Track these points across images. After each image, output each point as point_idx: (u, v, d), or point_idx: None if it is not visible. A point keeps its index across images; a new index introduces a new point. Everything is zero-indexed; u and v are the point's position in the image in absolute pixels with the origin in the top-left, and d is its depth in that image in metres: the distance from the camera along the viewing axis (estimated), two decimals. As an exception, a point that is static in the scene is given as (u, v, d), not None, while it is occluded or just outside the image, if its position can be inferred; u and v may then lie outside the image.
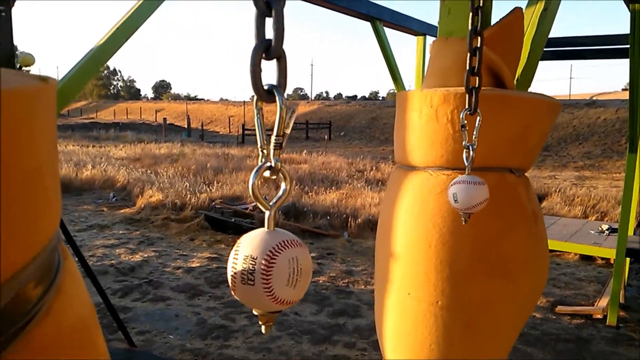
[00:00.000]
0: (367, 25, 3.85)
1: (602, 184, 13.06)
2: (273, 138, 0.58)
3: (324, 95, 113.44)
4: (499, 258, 1.34)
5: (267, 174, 0.59)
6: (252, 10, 0.55)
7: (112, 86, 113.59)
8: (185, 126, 34.29)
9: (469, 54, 1.15)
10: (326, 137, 27.98)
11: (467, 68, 1.14)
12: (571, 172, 16.79)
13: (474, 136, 1.17)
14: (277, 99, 0.56)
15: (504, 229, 1.35)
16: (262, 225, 0.59)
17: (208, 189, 8.51)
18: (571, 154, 20.86)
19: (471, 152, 1.18)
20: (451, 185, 1.17)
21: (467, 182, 1.15)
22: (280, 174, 0.59)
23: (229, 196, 8.24)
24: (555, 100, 1.42)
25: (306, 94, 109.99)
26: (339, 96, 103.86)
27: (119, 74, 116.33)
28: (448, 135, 1.30)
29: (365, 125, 32.63)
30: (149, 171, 11.01)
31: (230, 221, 6.78)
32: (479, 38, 1.15)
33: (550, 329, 4.08)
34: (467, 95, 1.16)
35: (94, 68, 2.10)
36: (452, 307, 1.33)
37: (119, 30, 2.14)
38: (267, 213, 0.59)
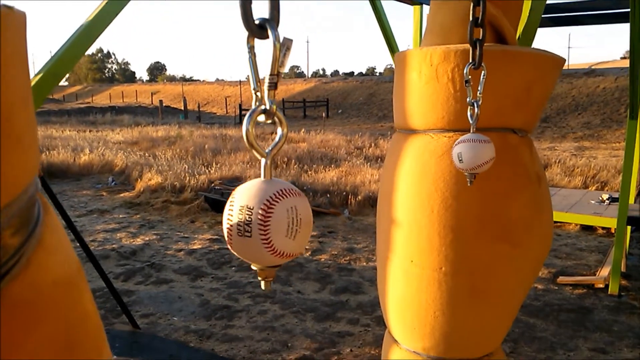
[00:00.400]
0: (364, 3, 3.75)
1: (601, 154, 13.03)
2: (267, 77, 0.54)
3: (321, 72, 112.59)
4: (504, 221, 1.31)
5: (261, 118, 0.55)
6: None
7: (107, 69, 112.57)
8: (182, 108, 34.07)
9: (472, 4, 1.09)
10: (324, 114, 27.84)
11: (471, 19, 1.09)
12: (570, 142, 16.74)
13: (478, 92, 1.12)
14: (270, 34, 0.52)
15: (508, 191, 1.31)
16: None
17: (207, 171, 8.48)
18: (570, 124, 20.77)
19: (476, 109, 1.13)
20: (455, 144, 1.12)
21: (473, 141, 1.10)
22: (275, 118, 0.55)
23: (228, 177, 8.21)
24: (558, 55, 1.37)
25: (302, 72, 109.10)
26: (335, 73, 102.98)
27: (113, 56, 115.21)
28: (449, 95, 1.25)
29: (362, 101, 32.43)
30: (147, 154, 10.97)
31: (230, 202, 6.76)
32: None
33: (552, 299, 4.10)
34: (470, 48, 1.11)
35: (84, 45, 2.05)
36: (456, 273, 1.30)
37: (109, 4, 2.09)
38: (262, 161, 0.56)
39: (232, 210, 0.54)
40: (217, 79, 68.53)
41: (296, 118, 29.52)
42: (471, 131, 1.13)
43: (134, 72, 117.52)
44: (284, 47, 0.54)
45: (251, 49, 0.54)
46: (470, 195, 1.29)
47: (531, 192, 1.34)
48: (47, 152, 10.16)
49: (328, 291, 4.26)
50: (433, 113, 1.31)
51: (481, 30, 1.09)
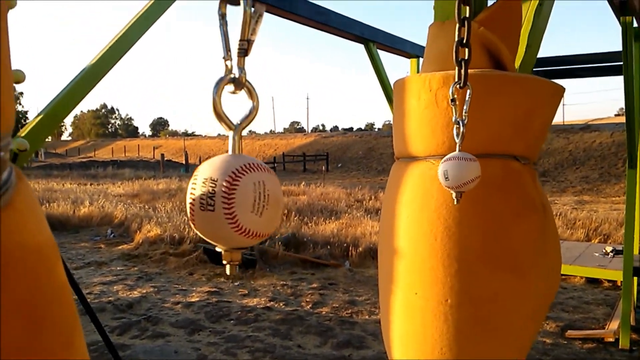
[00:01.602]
0: (361, 57, 3.85)
1: (602, 208, 13.02)
2: (237, 43, 0.51)
3: (320, 128, 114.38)
4: (508, 250, 1.27)
5: (230, 88, 0.52)
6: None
7: (110, 125, 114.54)
8: (184, 162, 34.34)
9: (457, 25, 1.11)
10: (324, 168, 28.02)
11: (456, 39, 1.11)
12: (570, 196, 16.76)
13: (464, 111, 1.13)
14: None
15: (512, 218, 1.28)
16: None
17: (207, 223, 8.42)
18: (569, 178, 20.87)
19: (461, 128, 1.13)
20: (441, 163, 1.13)
21: (459, 159, 1.10)
22: (246, 88, 0.52)
23: (228, 229, 8.16)
24: (558, 84, 1.38)
25: (302, 127, 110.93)
26: (335, 128, 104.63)
27: (116, 112, 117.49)
28: (449, 120, 1.24)
29: (362, 155, 32.75)
30: (147, 206, 10.94)
31: (229, 254, 6.67)
32: (467, 8, 1.12)
33: (561, 354, 3.97)
34: (456, 67, 1.12)
35: (86, 87, 2.08)
36: (462, 304, 1.25)
37: (112, 48, 2.13)
38: (230, 135, 0.52)
39: (195, 183, 0.50)
40: (219, 134, 69.39)
41: (296, 172, 29.70)
42: (457, 150, 1.13)
43: (136, 128, 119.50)
44: (256, 14, 0.52)
45: (222, 16, 0.52)
46: (474, 223, 1.26)
47: (536, 221, 1.31)
48: (47, 205, 10.14)
49: (330, 345, 4.13)
50: (433, 139, 1.30)
51: (466, 50, 1.10)
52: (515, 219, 1.30)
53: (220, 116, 0.51)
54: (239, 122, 0.53)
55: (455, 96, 1.13)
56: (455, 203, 1.14)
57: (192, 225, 0.51)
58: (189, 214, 0.51)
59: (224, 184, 0.48)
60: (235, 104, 0.54)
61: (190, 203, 0.50)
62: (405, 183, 1.39)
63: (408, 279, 1.34)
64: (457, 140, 1.14)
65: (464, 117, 1.13)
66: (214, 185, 0.49)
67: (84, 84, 2.06)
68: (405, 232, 1.35)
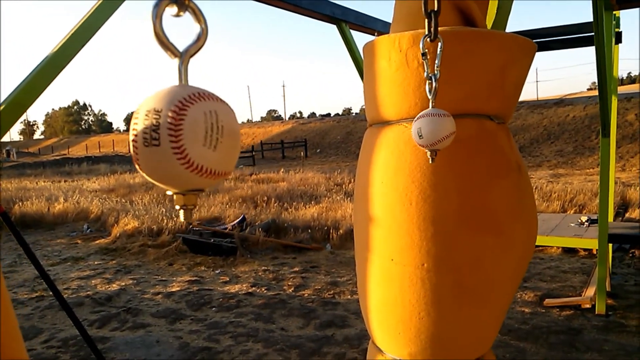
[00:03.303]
0: (336, 45, 3.81)
1: (577, 180, 13.24)
2: None
3: (298, 115, 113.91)
4: (486, 211, 1.24)
5: (173, 11, 0.46)
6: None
7: (83, 121, 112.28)
8: (160, 155, 33.82)
9: None
10: (302, 154, 27.94)
11: None
12: (546, 170, 17.02)
13: (435, 65, 1.08)
14: None
15: (488, 178, 1.26)
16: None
17: (185, 213, 8.33)
18: (544, 153, 21.18)
19: (434, 83, 1.09)
20: (414, 120, 1.08)
21: (432, 115, 1.06)
22: (190, 10, 0.46)
23: (207, 218, 8.08)
24: (530, 40, 1.35)
25: (280, 115, 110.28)
26: (312, 115, 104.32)
27: (89, 108, 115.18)
28: (421, 80, 1.21)
29: (340, 140, 32.72)
30: (123, 200, 10.78)
31: (209, 242, 6.61)
32: None
33: (540, 322, 4.03)
34: (425, 19, 1.08)
35: (50, 75, 2.00)
36: (440, 269, 1.22)
37: (76, 33, 2.05)
38: (177, 62, 0.47)
39: (137, 118, 0.44)
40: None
41: (275, 159, 29.56)
42: (430, 106, 1.09)
43: (110, 123, 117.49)
44: None
45: None
46: (449, 185, 1.23)
47: (512, 180, 1.29)
48: (21, 203, 9.90)
49: (313, 326, 4.12)
50: (405, 101, 1.27)
51: (435, 1, 1.06)
52: (492, 179, 1.28)
53: (163, 42, 0.45)
54: (185, 49, 0.47)
55: (427, 50, 1.09)
56: (430, 162, 1.10)
57: (137, 167, 0.45)
58: (132, 153, 0.45)
59: (170, 114, 0.43)
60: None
61: (133, 140, 0.44)
62: (378, 148, 1.36)
63: (384, 245, 1.31)
64: (429, 97, 1.10)
65: (436, 72, 1.09)
66: (157, 116, 0.43)
67: (47, 72, 1.98)
68: (380, 198, 1.32)
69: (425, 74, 1.09)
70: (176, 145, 0.43)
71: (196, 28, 0.47)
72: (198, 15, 0.47)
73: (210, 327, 4.15)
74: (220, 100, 0.46)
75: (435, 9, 1.06)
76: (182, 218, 0.47)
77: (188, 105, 0.43)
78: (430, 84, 1.09)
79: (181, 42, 0.48)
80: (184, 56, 0.47)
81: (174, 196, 0.46)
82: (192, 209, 0.47)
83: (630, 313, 4.14)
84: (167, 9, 0.46)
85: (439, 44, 1.07)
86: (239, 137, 0.47)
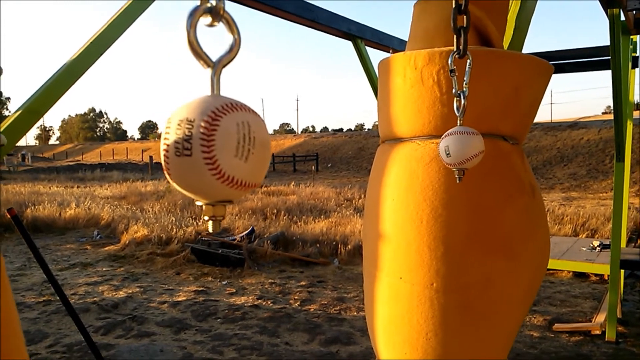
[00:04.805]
0: (351, 58, 3.84)
1: (589, 204, 13.10)
2: None
3: (310, 129, 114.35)
4: (498, 232, 1.23)
5: (207, 21, 0.46)
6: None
7: (99, 128, 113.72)
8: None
9: None
10: (313, 168, 27.98)
11: (454, 6, 1.04)
12: (558, 193, 16.86)
13: (464, 82, 1.07)
14: None
15: (501, 199, 1.24)
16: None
17: (194, 223, 8.36)
18: (557, 175, 21.00)
19: (462, 100, 1.07)
20: (442, 138, 1.05)
21: (460, 133, 1.03)
22: (224, 20, 0.47)
23: (216, 229, 8.09)
24: (546, 62, 1.34)
25: (292, 128, 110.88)
26: (324, 129, 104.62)
27: (105, 115, 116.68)
28: (435, 98, 1.20)
29: (352, 155, 32.75)
30: (134, 208, 10.84)
31: (217, 252, 6.62)
32: None
33: (549, 347, 3.96)
34: (454, 36, 1.07)
35: (67, 83, 2.03)
36: (449, 289, 1.20)
37: (93, 44, 2.08)
38: (210, 72, 0.47)
39: (169, 127, 0.44)
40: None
41: (286, 172, 29.62)
42: (458, 124, 1.07)
43: (125, 131, 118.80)
44: None
45: None
46: (461, 204, 1.22)
47: (525, 201, 1.28)
48: (33, 207, 10.00)
49: (317, 342, 4.09)
50: (419, 118, 1.26)
51: (465, 17, 1.05)
52: (505, 200, 1.27)
53: (196, 51, 0.46)
54: (219, 59, 0.48)
55: (455, 67, 1.07)
56: (457, 182, 1.08)
57: (167, 177, 0.45)
58: (163, 163, 0.45)
59: (202, 124, 0.43)
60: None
61: (164, 149, 0.44)
62: (390, 165, 1.35)
63: (393, 263, 1.30)
64: (457, 114, 1.09)
65: (464, 89, 1.08)
66: (190, 126, 0.43)
67: (64, 79, 2.01)
68: (390, 215, 1.31)
69: (454, 90, 1.07)
70: (208, 155, 0.43)
71: (229, 38, 0.48)
72: (232, 26, 0.47)
73: (214, 338, 4.14)
74: (253, 111, 0.46)
75: (465, 25, 1.05)
76: (210, 229, 0.47)
77: (221, 115, 0.43)
78: (459, 100, 1.07)
79: (212, 52, 0.48)
80: (217, 66, 0.47)
81: (203, 207, 0.46)
82: (220, 220, 0.47)
83: (641, 341, 4.06)
84: (200, 18, 0.46)
85: (468, 60, 1.06)
86: (270, 149, 0.47)
